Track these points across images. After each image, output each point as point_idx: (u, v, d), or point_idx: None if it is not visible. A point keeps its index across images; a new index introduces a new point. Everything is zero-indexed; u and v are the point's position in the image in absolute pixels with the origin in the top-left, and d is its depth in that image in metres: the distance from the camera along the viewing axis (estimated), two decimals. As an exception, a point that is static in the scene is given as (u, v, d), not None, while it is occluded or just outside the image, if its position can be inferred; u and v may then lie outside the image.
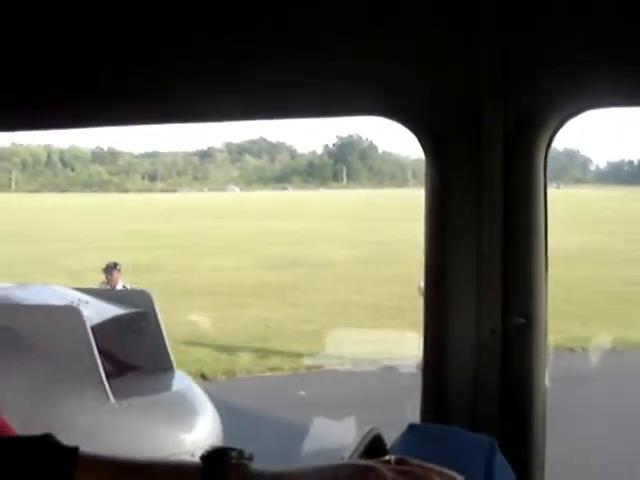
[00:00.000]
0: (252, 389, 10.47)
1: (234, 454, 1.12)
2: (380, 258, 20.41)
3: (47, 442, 1.16)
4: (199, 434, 7.14)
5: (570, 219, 24.19)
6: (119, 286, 10.50)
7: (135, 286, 10.56)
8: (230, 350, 12.11)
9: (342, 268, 17.19)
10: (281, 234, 26.47)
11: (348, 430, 7.75)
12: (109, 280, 10.57)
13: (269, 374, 11.28)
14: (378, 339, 12.35)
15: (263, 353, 12.15)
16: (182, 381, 8.10)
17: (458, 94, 1.68)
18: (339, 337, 13.07)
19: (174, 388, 7.93)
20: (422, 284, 1.80)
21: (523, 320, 1.67)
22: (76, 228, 29.17)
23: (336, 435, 6.90)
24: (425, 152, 1.73)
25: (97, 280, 13.06)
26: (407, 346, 12.52)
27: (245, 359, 11.17)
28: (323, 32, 1.73)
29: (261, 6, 1.74)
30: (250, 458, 1.13)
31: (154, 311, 8.16)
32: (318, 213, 34.42)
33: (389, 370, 11.29)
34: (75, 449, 1.16)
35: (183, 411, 7.48)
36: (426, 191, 1.75)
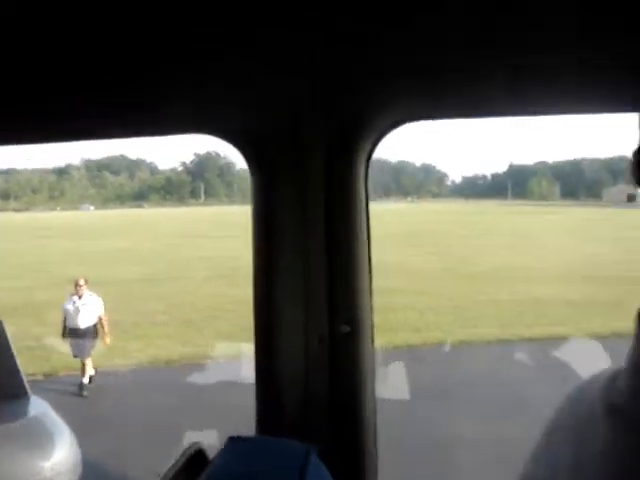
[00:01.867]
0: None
1: None
2: (163, 276, 21.35)
3: None
4: (57, 459, 7.14)
5: (391, 233, 25.73)
6: None
7: None
8: None
9: (119, 286, 18.06)
10: (92, 254, 26.90)
11: None
12: None
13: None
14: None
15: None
16: (38, 407, 7.95)
17: (279, 108, 1.69)
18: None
19: (30, 414, 7.77)
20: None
21: (348, 328, 1.70)
22: None
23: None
24: (249, 165, 1.75)
25: None
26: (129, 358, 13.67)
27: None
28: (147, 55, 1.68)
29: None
30: None
31: (5, 338, 8.10)
32: (149, 232, 34.82)
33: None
34: None
35: (40, 437, 7.34)
36: (252, 203, 1.76)
